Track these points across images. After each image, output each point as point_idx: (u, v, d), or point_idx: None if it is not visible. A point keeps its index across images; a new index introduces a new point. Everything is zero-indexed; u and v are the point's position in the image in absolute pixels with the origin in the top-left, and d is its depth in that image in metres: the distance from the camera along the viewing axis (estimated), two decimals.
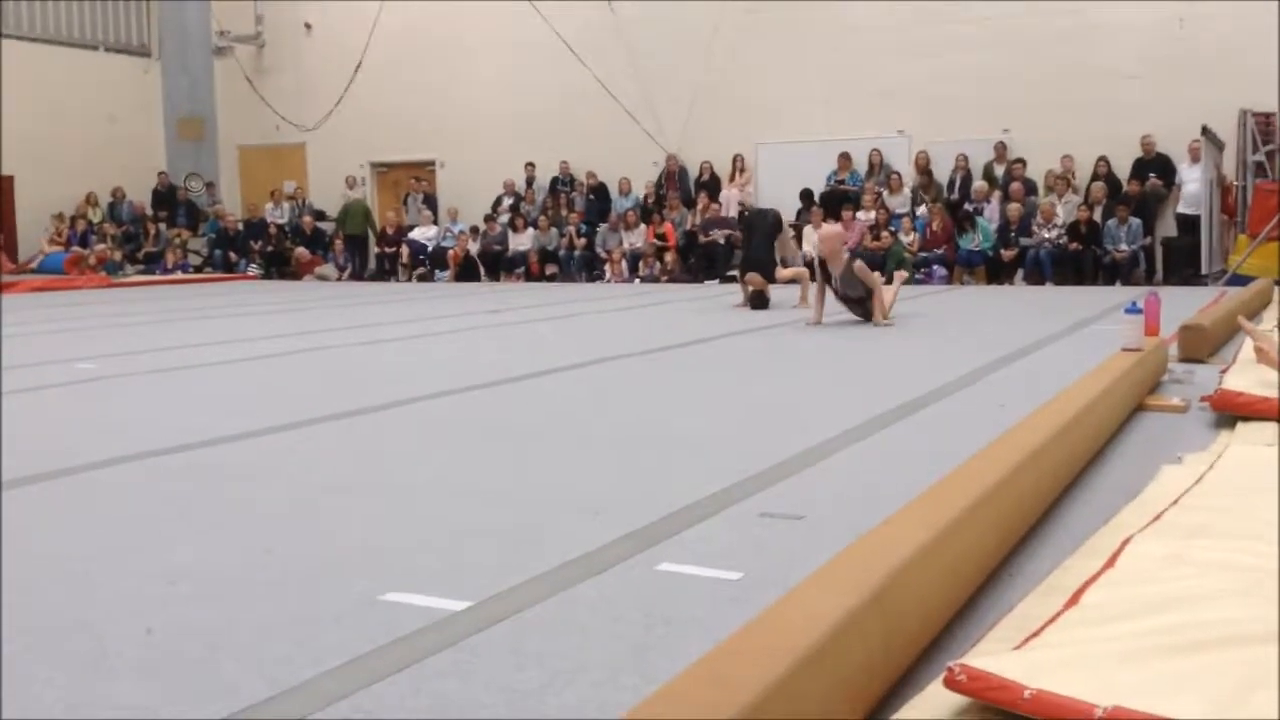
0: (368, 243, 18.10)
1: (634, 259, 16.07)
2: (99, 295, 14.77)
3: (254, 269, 18.41)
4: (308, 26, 19.79)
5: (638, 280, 15.80)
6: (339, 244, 18.09)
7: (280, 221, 18.84)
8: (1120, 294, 10.92)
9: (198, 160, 19.85)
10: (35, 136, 18.50)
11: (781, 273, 10.63)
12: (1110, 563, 2.44)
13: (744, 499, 3.37)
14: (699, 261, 15.79)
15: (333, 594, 2.58)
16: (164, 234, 19.03)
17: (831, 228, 9.60)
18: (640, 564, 2.76)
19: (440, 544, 3.00)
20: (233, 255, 18.58)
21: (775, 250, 10.89)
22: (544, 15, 17.06)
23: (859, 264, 8.80)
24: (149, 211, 19.56)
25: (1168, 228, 14.12)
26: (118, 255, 18.50)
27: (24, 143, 18.40)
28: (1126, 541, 2.60)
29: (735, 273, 15.35)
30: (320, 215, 18.91)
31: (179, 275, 18.02)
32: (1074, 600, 2.22)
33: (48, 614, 2.50)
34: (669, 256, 15.89)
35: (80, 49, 19.78)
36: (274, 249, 18.41)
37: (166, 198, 19.59)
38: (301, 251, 18.25)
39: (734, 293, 11.51)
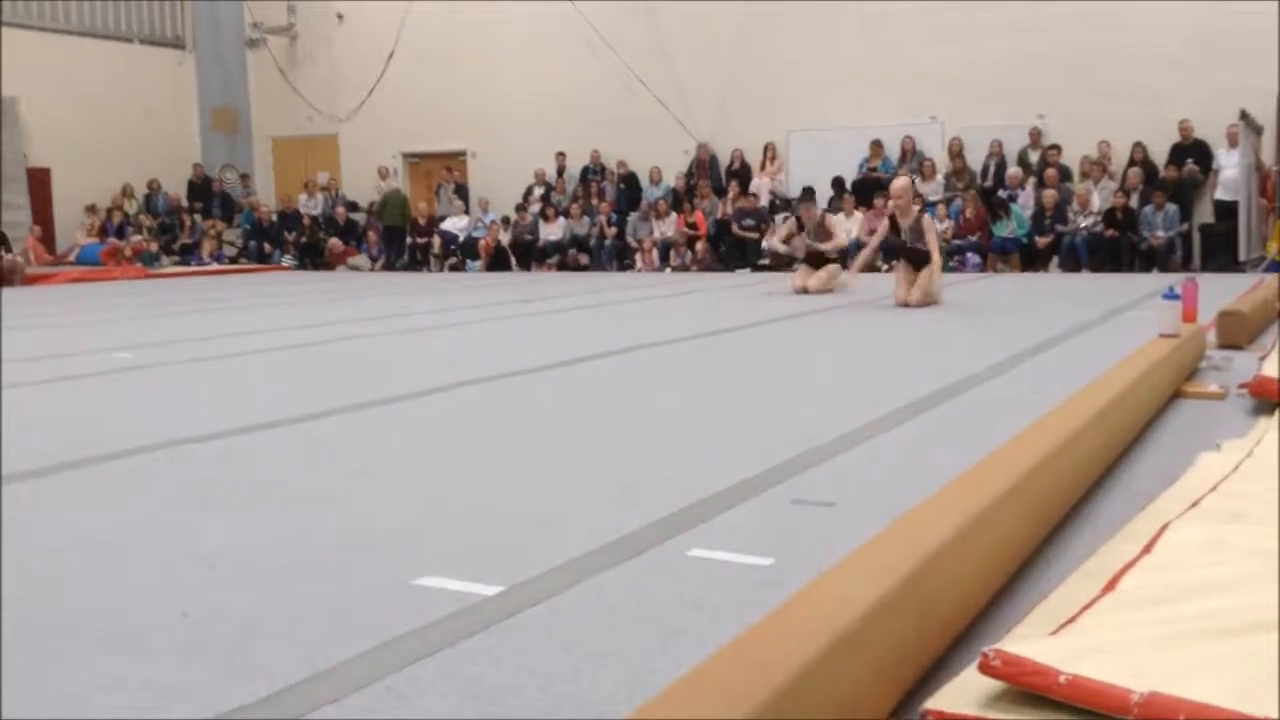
0: (405, 234, 18.18)
1: (665, 248, 16.05)
2: (135, 286, 14.93)
3: (288, 260, 18.54)
4: (340, 18, 19.87)
5: (669, 269, 15.78)
6: (372, 235, 18.19)
7: (314, 212, 18.97)
8: (1157, 281, 10.79)
9: (232, 152, 20.02)
10: (71, 129, 18.72)
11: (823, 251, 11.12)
12: (1148, 548, 2.42)
13: (775, 485, 3.36)
14: (730, 250, 15.75)
15: (365, 578, 2.59)
16: (199, 225, 19.21)
17: (902, 180, 9.85)
18: (671, 550, 2.76)
19: (472, 529, 3.01)
20: (267, 246, 18.72)
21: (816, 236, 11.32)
22: (575, 3, 17.05)
23: (927, 218, 9.26)
24: (184, 203, 19.75)
25: (1205, 214, 13.94)
26: (154, 247, 18.69)
27: (60, 136, 18.63)
28: (1165, 527, 2.57)
29: (766, 262, 15.34)
30: (353, 206, 19.02)
31: (214, 266, 18.18)
32: (1111, 586, 2.20)
33: (84, 597, 2.53)
34: (700, 245, 15.86)
35: (115, 42, 19.98)
36: (308, 240, 18.53)
37: (201, 189, 19.77)
38: (335, 242, 18.36)
39: (764, 281, 11.47)
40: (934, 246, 9.21)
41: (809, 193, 12.54)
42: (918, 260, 9.24)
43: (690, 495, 3.23)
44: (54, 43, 18.94)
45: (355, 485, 3.54)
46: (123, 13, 20.17)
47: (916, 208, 9.39)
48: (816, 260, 11.33)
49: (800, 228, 11.63)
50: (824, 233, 11.41)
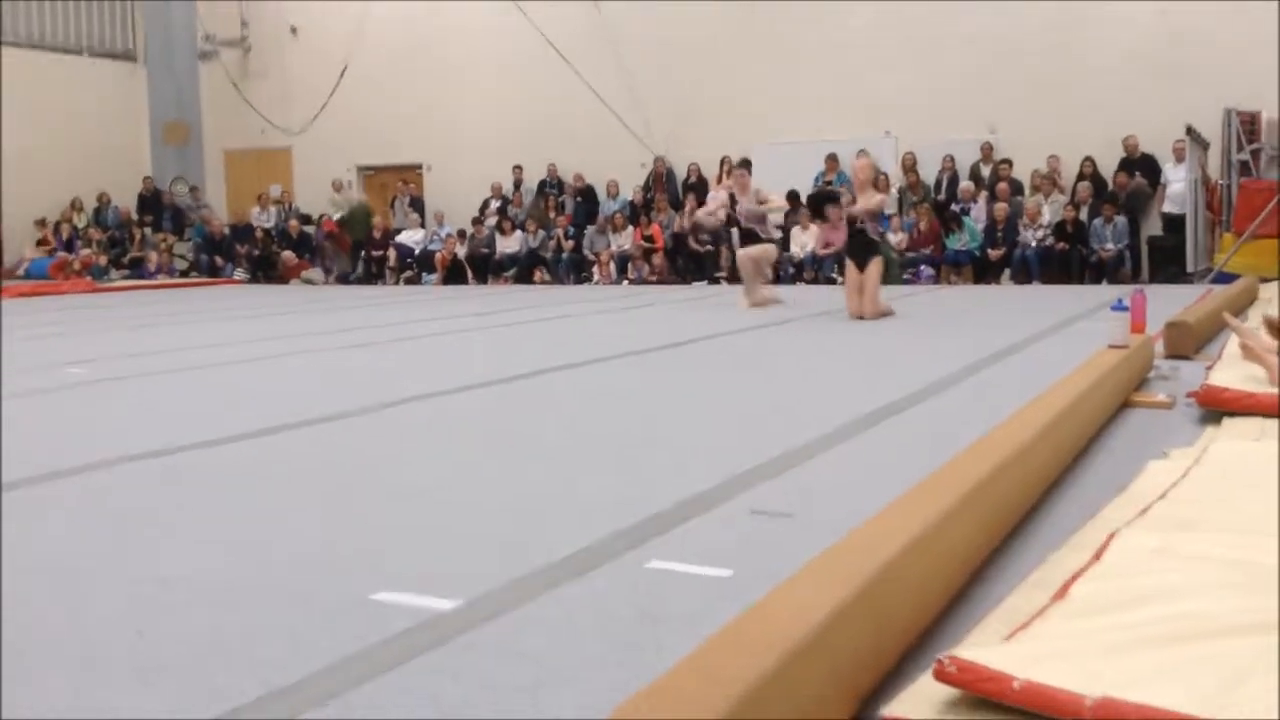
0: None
1: (622, 261, 16.08)
2: (85, 300, 14.71)
3: (240, 273, 18.36)
4: (293, 30, 19.75)
5: (626, 282, 15.80)
6: (326, 248, 18.04)
7: (266, 225, 18.80)
8: (1107, 292, 10.97)
9: (183, 165, 19.79)
10: (20, 142, 18.42)
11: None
12: (1097, 556, 2.46)
13: (733, 497, 3.38)
14: (687, 263, 15.80)
15: (322, 595, 2.58)
16: (149, 238, 18.97)
17: (864, 159, 9.84)
18: (630, 562, 2.77)
19: (429, 544, 3.00)
20: (218, 260, 18.53)
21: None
22: (530, 18, 17.07)
23: (878, 199, 9.38)
24: (134, 216, 19.50)
25: (1153, 227, 14.19)
26: (103, 260, 18.43)
27: (8, 149, 18.32)
28: (1113, 535, 2.61)
29: (723, 274, 15.42)
30: (306, 219, 18.87)
31: (164, 280, 17.96)
32: (1062, 593, 2.23)
33: (39, 618, 2.49)
34: (657, 258, 15.90)
35: (65, 54, 19.71)
36: (260, 253, 18.36)
37: (152, 203, 19.53)
38: (288, 255, 18.20)
39: (721, 294, 11.51)
40: (878, 230, 9.37)
41: (746, 162, 11.80)
42: (861, 256, 9.28)
43: (649, 508, 3.24)
44: (4, 55, 18.65)
45: (310, 501, 3.52)
46: (73, 25, 19.91)
47: (877, 194, 9.48)
48: (749, 238, 10.90)
49: (733, 202, 11.19)
50: (759, 212, 10.80)
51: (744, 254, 10.81)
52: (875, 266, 9.22)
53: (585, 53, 17.05)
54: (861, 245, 9.30)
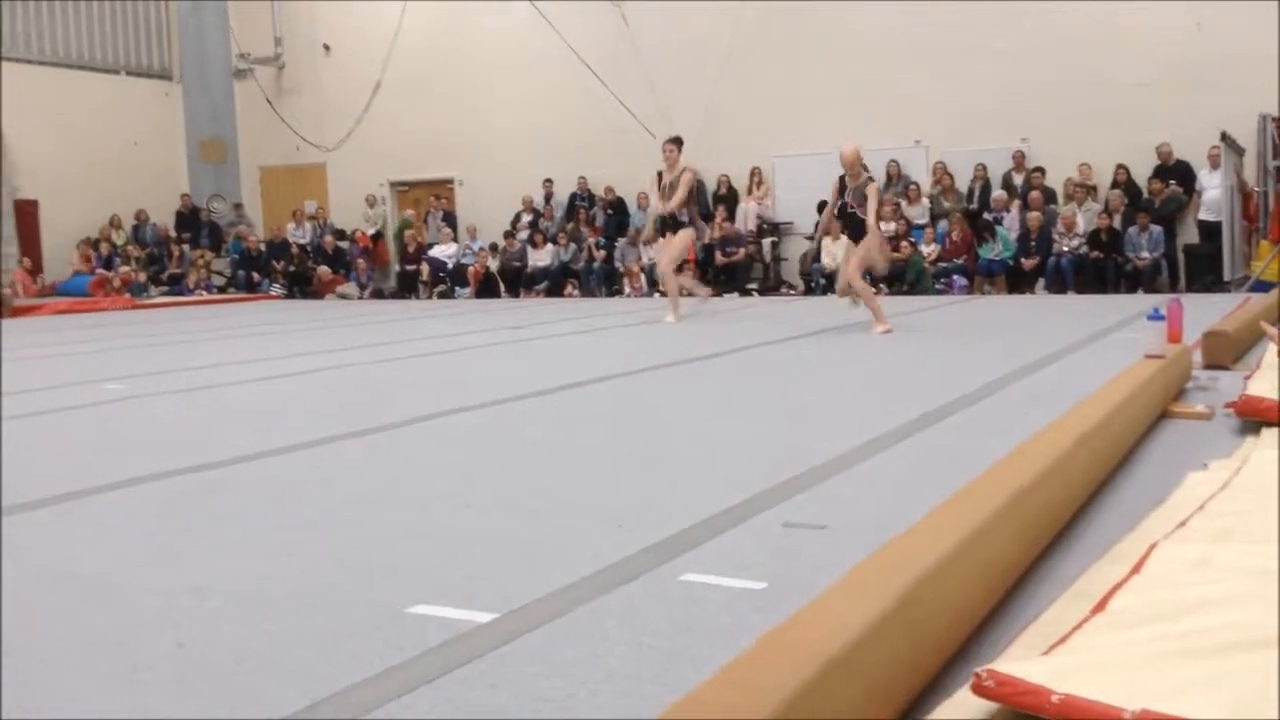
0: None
1: (653, 273, 16.09)
2: (124, 317, 14.90)
3: (276, 289, 18.54)
4: (326, 48, 19.96)
5: (657, 294, 15.81)
6: (362, 263, 18.22)
7: (302, 241, 19.00)
8: (1142, 302, 10.87)
9: (219, 182, 20.03)
10: (58, 161, 18.71)
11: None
12: (1137, 568, 2.44)
13: (766, 509, 3.37)
14: (717, 275, 15.81)
15: (361, 607, 2.60)
16: (187, 255, 19.20)
17: (850, 147, 9.56)
18: (664, 575, 2.77)
19: (466, 557, 3.01)
20: (255, 275, 18.73)
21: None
22: (560, 32, 17.16)
23: (873, 186, 9.32)
24: (172, 233, 19.75)
25: (1189, 235, 14.05)
26: (142, 277, 18.67)
27: (48, 168, 18.61)
28: (1153, 547, 2.59)
29: (754, 286, 15.43)
30: (341, 234, 19.05)
31: (202, 296, 18.16)
32: (1101, 606, 2.22)
33: (79, 630, 2.53)
34: (689, 270, 15.90)
35: (102, 73, 20.00)
36: (296, 269, 18.55)
37: (189, 220, 19.78)
38: (324, 270, 18.38)
39: (753, 305, 11.52)
40: (871, 212, 9.22)
41: (677, 139, 10.99)
42: (855, 230, 9.32)
43: (683, 519, 3.24)
44: (41, 75, 18.96)
45: (348, 514, 3.54)
46: (110, 44, 20.22)
47: (866, 175, 9.41)
48: (670, 222, 10.67)
49: (660, 180, 10.84)
50: (674, 189, 10.55)
51: (664, 263, 10.78)
52: (865, 241, 9.27)
53: (615, 67, 17.11)
54: (855, 225, 9.37)
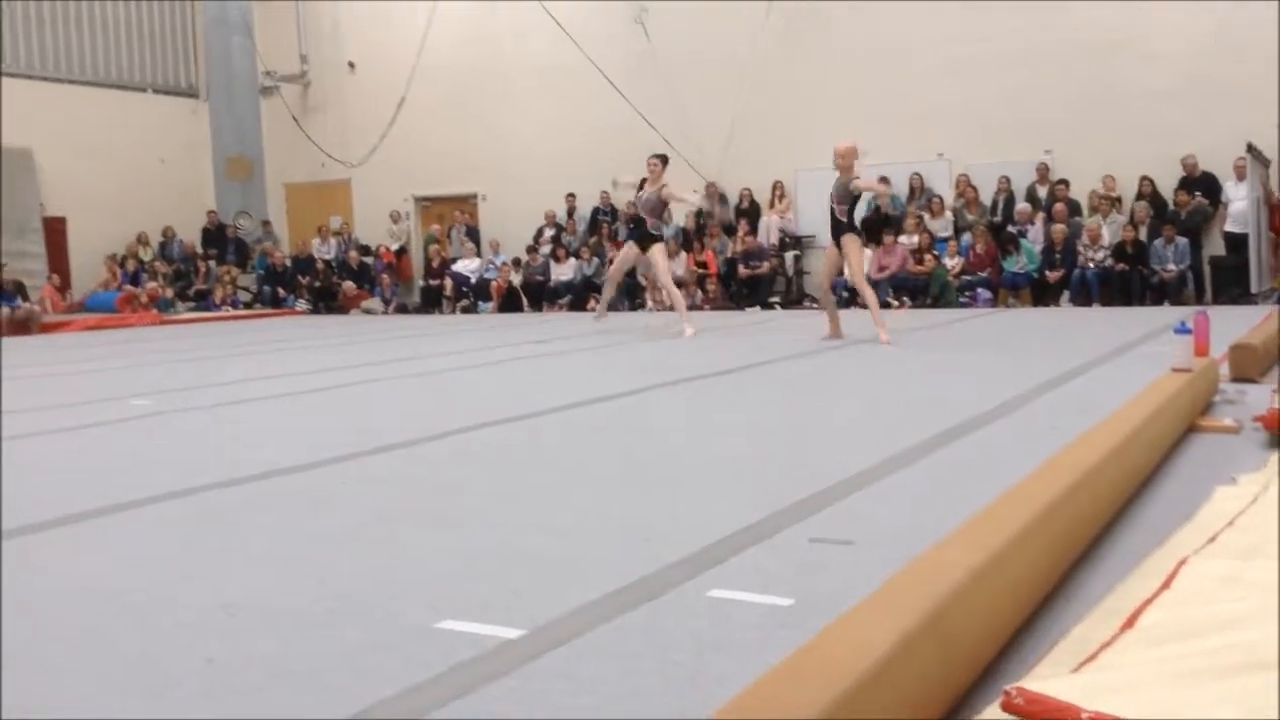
0: None
1: (676, 286, 16.11)
2: (151, 332, 15.03)
3: (302, 304, 18.67)
4: (351, 66, 20.12)
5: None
6: (385, 278, 18.33)
7: (327, 257, 19.13)
8: (1169, 314, 10.80)
9: (246, 199, 20.22)
10: (87, 178, 18.93)
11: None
12: (1166, 584, 2.42)
13: (791, 524, 3.37)
14: (740, 289, 15.81)
15: (389, 623, 2.61)
16: (214, 271, 19.37)
17: (847, 143, 9.65)
18: (690, 591, 2.77)
19: (492, 572, 3.02)
20: (281, 291, 18.86)
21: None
22: (581, 48, 17.23)
23: (862, 180, 9.53)
24: (199, 250, 19.93)
25: (1215, 247, 13.96)
26: (169, 293, 18.84)
27: (75, 185, 18.83)
28: (1182, 563, 2.58)
29: (777, 299, 15.44)
30: (365, 250, 19.18)
31: (228, 311, 18.30)
32: (1131, 622, 2.20)
33: (110, 646, 2.55)
34: (711, 284, 15.92)
35: (129, 91, 20.24)
36: (321, 284, 18.68)
37: (216, 236, 19.96)
38: (349, 286, 18.50)
39: (775, 319, 11.52)
40: (869, 188, 9.66)
41: (663, 157, 11.34)
42: (835, 230, 9.46)
43: (707, 535, 3.24)
44: (69, 93, 19.20)
45: (376, 529, 3.56)
46: (137, 63, 20.45)
47: (857, 174, 9.50)
48: (642, 237, 10.95)
49: (641, 185, 11.07)
50: (658, 204, 10.93)
51: (665, 279, 11.02)
52: (852, 245, 9.40)
53: (636, 81, 17.17)
54: (834, 226, 9.49)
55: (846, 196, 9.32)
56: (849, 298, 14.82)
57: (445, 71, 18.81)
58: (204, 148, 20.51)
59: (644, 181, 10.98)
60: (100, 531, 3.68)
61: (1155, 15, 14.38)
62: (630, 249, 11.26)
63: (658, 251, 10.99)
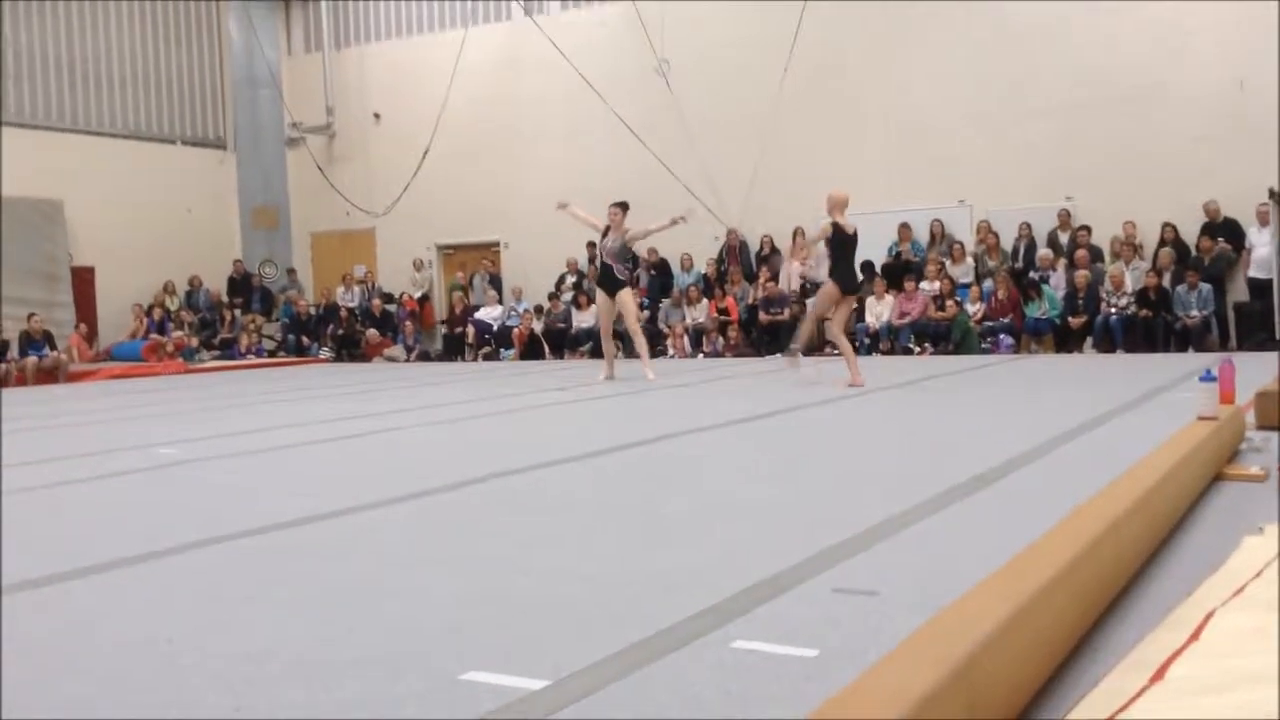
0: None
1: (697, 334, 16.16)
2: (177, 381, 15.16)
3: (325, 352, 18.81)
4: (376, 117, 20.41)
5: (701, 355, 15.85)
6: (408, 326, 18.46)
7: (351, 305, 19.30)
8: (1193, 361, 10.74)
9: (272, 248, 20.46)
10: (115, 228, 19.21)
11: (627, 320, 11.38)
12: (1195, 636, 2.41)
13: (815, 574, 3.36)
14: (761, 336, 15.83)
15: (414, 672, 2.62)
16: (239, 320, 19.55)
17: (838, 191, 10.04)
18: (715, 641, 2.77)
19: (517, 621, 3.03)
20: (305, 339, 19.01)
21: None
22: (602, 96, 17.42)
23: (825, 223, 9.86)
24: (225, 298, 20.13)
25: (1239, 292, 13.91)
26: (194, 342, 19.01)
27: (104, 235, 19.11)
28: (1211, 615, 2.56)
29: (797, 346, 15.41)
30: (389, 298, 19.34)
31: (253, 360, 18.45)
32: (1160, 674, 2.19)
33: (139, 694, 2.56)
34: (732, 331, 15.96)
35: (158, 143, 20.57)
36: (344, 332, 18.82)
37: (241, 285, 20.17)
38: (372, 333, 18.64)
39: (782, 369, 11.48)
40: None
41: (623, 204, 11.65)
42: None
43: (731, 584, 3.24)
44: (99, 145, 19.54)
45: (401, 578, 3.57)
46: (166, 115, 20.80)
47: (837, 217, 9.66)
48: (608, 282, 11.31)
49: (605, 233, 11.40)
50: (623, 249, 11.22)
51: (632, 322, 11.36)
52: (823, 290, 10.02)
53: (658, 129, 17.33)
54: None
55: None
56: (870, 344, 14.83)
57: (469, 123, 19.05)
58: (231, 198, 20.80)
59: (607, 229, 11.31)
60: (129, 579, 3.70)
61: (1177, 62, 14.43)
62: (603, 300, 11.58)
63: (626, 294, 11.45)
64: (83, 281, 19.11)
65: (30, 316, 16.65)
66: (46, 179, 18.31)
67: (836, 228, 9.52)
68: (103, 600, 3.47)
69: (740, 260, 16.87)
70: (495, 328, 17.69)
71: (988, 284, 14.78)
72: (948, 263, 15.24)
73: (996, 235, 15.24)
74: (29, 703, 2.51)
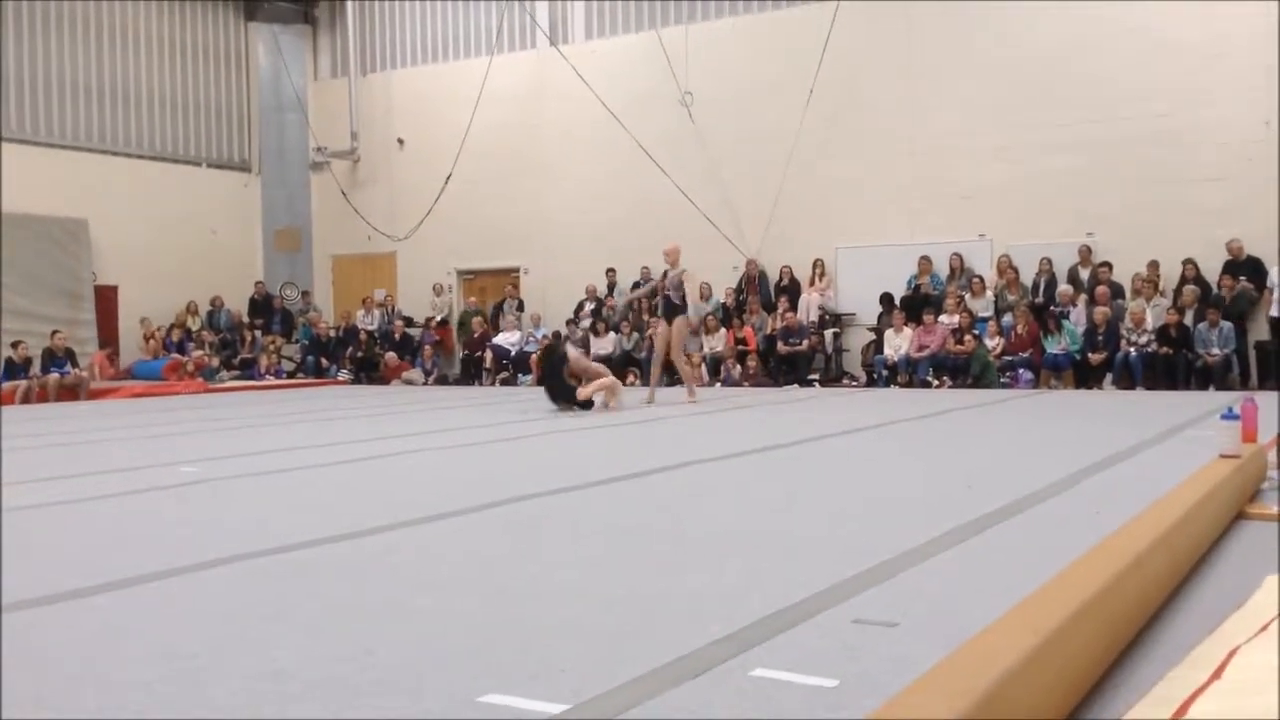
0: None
1: (715, 363, 16.16)
2: (197, 400, 15.24)
3: (344, 374, 18.89)
4: (400, 142, 20.58)
5: (719, 384, 15.85)
6: (428, 349, 18.54)
7: (370, 328, 19.40)
8: (1214, 399, 10.69)
9: (293, 270, 20.62)
10: (139, 248, 19.40)
11: (584, 391, 11.37)
12: (1218, 674, 2.40)
13: (836, 604, 3.36)
14: (778, 365, 15.83)
15: (433, 694, 2.62)
16: (259, 341, 19.67)
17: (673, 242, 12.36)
18: (735, 669, 2.76)
19: (536, 645, 3.03)
20: (324, 361, 19.10)
21: (567, 377, 11.53)
22: (625, 125, 17.53)
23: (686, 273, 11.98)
24: (245, 319, 20.26)
25: (1260, 331, 13.85)
26: (215, 361, 19.13)
27: (128, 254, 19.29)
28: (1233, 652, 2.54)
29: (815, 377, 15.43)
30: (409, 321, 19.43)
31: (272, 380, 18.54)
32: (1182, 711, 2.18)
33: (160, 709, 2.58)
34: (751, 360, 15.96)
35: (184, 165, 20.79)
36: (364, 354, 18.91)
37: (263, 306, 20.31)
38: (391, 356, 18.72)
39: (815, 395, 11.50)
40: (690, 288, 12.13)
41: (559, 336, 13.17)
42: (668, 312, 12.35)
43: (752, 612, 3.23)
44: (126, 166, 19.76)
45: (419, 600, 3.58)
46: (193, 138, 21.03)
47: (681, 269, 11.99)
48: (669, 311, 12.58)
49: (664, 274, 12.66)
50: (678, 283, 12.39)
51: (584, 392, 11.49)
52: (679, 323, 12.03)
53: (678, 157, 17.43)
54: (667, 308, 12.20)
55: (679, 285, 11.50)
56: (888, 376, 14.81)
57: (491, 149, 19.19)
58: (254, 220, 20.98)
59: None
60: (150, 596, 3.72)
61: (1199, 101, 14.44)
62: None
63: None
64: (105, 300, 19.27)
65: (54, 334, 16.79)
66: (72, 198, 18.52)
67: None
68: (124, 616, 3.49)
69: (759, 290, 16.90)
70: (513, 353, 17.74)
71: (1007, 318, 14.75)
72: (967, 296, 15.23)
73: (1016, 270, 15.23)
74: (52, 714, 2.53)
